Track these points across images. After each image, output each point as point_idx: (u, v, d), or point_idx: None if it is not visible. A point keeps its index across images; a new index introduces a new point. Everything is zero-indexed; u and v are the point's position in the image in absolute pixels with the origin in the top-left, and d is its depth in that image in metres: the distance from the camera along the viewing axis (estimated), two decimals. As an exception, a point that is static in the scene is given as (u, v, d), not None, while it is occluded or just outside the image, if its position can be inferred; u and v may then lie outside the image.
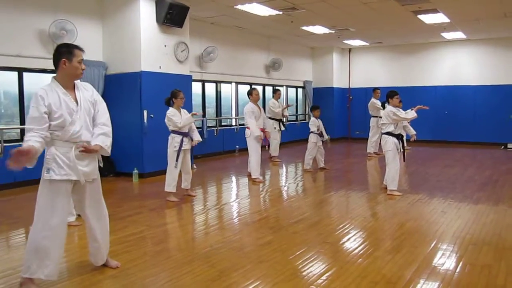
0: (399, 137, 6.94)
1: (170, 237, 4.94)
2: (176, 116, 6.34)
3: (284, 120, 11.06)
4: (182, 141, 6.38)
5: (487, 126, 14.11)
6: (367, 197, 6.87)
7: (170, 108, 6.42)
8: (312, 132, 9.18)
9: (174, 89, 6.56)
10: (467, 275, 3.71)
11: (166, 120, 6.41)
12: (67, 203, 3.44)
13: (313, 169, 9.25)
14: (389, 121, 6.87)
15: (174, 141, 6.42)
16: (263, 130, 8.31)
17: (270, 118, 10.54)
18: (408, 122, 8.11)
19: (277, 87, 12.41)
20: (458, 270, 3.83)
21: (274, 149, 10.84)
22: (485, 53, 14.20)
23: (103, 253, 3.75)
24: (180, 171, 6.56)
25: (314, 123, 9.14)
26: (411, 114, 6.96)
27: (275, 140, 10.69)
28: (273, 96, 11.15)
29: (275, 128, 10.61)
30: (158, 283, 3.57)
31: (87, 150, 3.38)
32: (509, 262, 3.99)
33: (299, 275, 3.73)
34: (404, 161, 7.02)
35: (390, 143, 6.86)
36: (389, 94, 7.10)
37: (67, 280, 3.64)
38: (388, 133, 6.91)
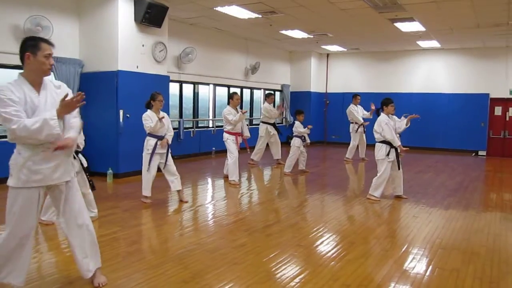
0: (392, 145, 6.81)
1: (143, 238, 4.90)
2: (149, 120, 6.18)
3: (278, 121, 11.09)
4: (155, 144, 6.25)
5: (460, 133, 14.44)
6: (341, 201, 6.95)
7: (148, 111, 6.28)
8: (295, 136, 9.29)
9: (154, 92, 6.43)
10: (436, 279, 3.79)
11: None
12: (35, 210, 3.15)
13: (293, 173, 9.30)
14: (380, 130, 6.79)
15: (148, 144, 6.31)
16: (240, 135, 8.23)
17: (264, 122, 10.57)
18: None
19: (268, 91, 12.30)
20: (427, 273, 3.91)
21: (276, 152, 10.82)
22: (459, 62, 14.55)
23: (83, 266, 3.36)
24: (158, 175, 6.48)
25: (299, 127, 9.25)
26: (402, 125, 7.01)
27: (276, 143, 10.75)
28: (265, 100, 10.98)
29: (270, 132, 10.54)
30: (130, 285, 3.53)
31: (59, 147, 3.05)
32: (476, 266, 4.11)
33: (273, 278, 3.75)
34: (399, 168, 6.89)
35: (383, 151, 6.78)
36: (384, 102, 6.96)
37: (38, 280, 3.58)
38: (383, 142, 6.83)
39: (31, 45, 3.08)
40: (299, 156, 9.36)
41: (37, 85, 3.13)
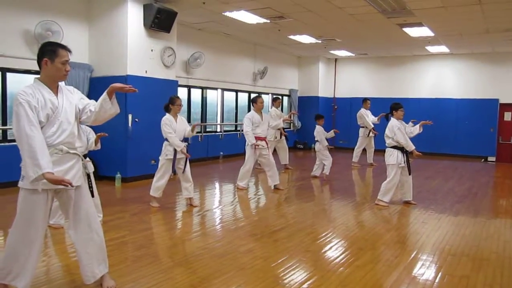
0: (403, 150, 6.77)
1: (151, 243, 4.90)
2: (170, 125, 6.11)
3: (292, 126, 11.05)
4: (175, 150, 6.17)
5: (469, 139, 14.34)
6: (350, 206, 6.92)
7: (166, 115, 6.20)
8: (317, 141, 9.32)
9: (172, 95, 6.41)
10: (446, 286, 3.76)
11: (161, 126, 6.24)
12: (44, 213, 3.16)
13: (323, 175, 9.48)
14: (392, 135, 6.75)
15: (166, 149, 6.24)
16: (264, 139, 7.94)
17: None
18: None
19: (276, 96, 12.21)
20: (437, 280, 3.88)
21: (284, 158, 10.80)
22: (468, 68, 14.48)
23: (87, 271, 3.34)
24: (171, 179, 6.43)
25: (320, 131, 9.27)
26: (415, 130, 7.02)
27: (284, 148, 10.75)
28: (272, 104, 10.85)
29: (276, 137, 10.41)
30: (138, 289, 3.54)
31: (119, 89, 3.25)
32: (486, 273, 4.06)
33: (281, 283, 3.74)
34: (410, 173, 6.85)
35: (395, 156, 6.72)
36: (393, 106, 6.94)
37: (45, 284, 3.59)
38: (394, 147, 6.77)
39: (49, 50, 3.12)
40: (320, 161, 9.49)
41: (54, 88, 3.19)
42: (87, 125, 4.63)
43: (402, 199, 7.13)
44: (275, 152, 10.83)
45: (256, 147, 7.76)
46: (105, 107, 3.28)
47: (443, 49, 13.48)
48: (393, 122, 6.85)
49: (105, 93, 3.27)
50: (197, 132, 11.62)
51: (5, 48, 7.34)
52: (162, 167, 6.31)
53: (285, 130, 11.07)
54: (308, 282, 3.75)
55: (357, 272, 4.02)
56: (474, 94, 14.33)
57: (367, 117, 11.58)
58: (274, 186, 8.02)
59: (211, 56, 11.86)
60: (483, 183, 9.46)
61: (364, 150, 11.84)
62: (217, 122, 12.86)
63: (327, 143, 9.35)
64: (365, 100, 11.93)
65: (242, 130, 8.22)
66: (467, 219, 6.16)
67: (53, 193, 3.21)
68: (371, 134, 11.60)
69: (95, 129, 5.28)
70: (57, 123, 3.13)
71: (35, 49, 7.66)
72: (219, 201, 7.42)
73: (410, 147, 6.74)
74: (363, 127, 11.70)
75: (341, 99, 16.73)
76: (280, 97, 12.18)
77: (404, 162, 6.77)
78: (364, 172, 10.88)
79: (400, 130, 6.73)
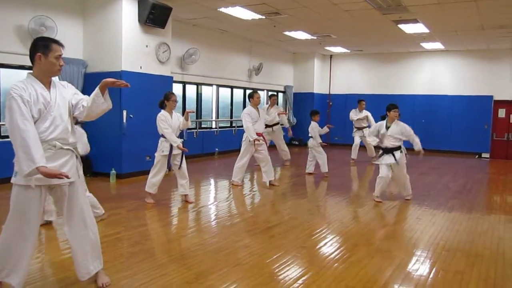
0: (387, 150, 6.79)
1: (146, 239, 4.89)
2: (166, 121, 6.11)
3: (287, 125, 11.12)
4: (171, 146, 6.17)
5: (463, 135, 14.39)
6: (345, 203, 6.93)
7: (162, 111, 6.20)
8: (311, 137, 9.27)
9: (167, 91, 6.39)
10: (440, 281, 3.78)
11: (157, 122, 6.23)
12: (38, 210, 3.13)
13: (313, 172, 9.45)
14: (410, 133, 6.81)
15: (162, 145, 6.23)
16: (261, 134, 7.92)
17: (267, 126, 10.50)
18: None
19: (271, 93, 12.14)
20: (431, 275, 3.90)
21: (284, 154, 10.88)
22: (462, 64, 14.51)
23: (81, 268, 3.33)
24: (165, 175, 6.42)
25: (315, 128, 9.21)
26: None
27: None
28: (268, 102, 10.76)
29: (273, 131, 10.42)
30: (133, 285, 3.52)
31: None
32: (481, 268, 4.09)
33: (276, 279, 3.74)
34: (393, 171, 6.87)
35: (386, 158, 6.78)
36: (388, 107, 6.95)
37: (40, 281, 3.58)
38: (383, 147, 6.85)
39: (43, 45, 3.10)
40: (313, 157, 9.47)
41: (47, 83, 3.16)
42: (81, 127, 4.60)
43: (397, 195, 7.15)
44: (274, 147, 10.83)
45: (256, 142, 7.73)
46: (98, 102, 3.25)
47: (438, 45, 13.51)
48: (401, 123, 6.86)
49: (97, 88, 3.25)
50: (192, 128, 11.62)
51: (-2, 44, 7.30)
52: (158, 163, 6.31)
53: (282, 127, 11.02)
54: (303, 278, 3.77)
55: (352, 267, 4.03)
56: (468, 91, 14.38)
57: (355, 117, 11.61)
58: (269, 182, 8.02)
59: (206, 52, 11.83)
60: (478, 179, 9.51)
61: (363, 147, 11.82)
62: (212, 118, 12.83)
63: (320, 140, 9.31)
64: (360, 101, 11.85)
65: (238, 126, 8.18)
66: (461, 215, 6.19)
67: (46, 189, 3.18)
68: (358, 133, 11.65)
69: (89, 127, 5.26)
70: (50, 119, 3.10)
71: (29, 45, 7.60)
72: (214, 197, 7.42)
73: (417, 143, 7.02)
74: (366, 127, 11.56)
75: (336, 95, 16.74)
76: (276, 93, 12.15)
77: (390, 160, 6.81)
78: (361, 169, 10.90)
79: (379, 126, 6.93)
